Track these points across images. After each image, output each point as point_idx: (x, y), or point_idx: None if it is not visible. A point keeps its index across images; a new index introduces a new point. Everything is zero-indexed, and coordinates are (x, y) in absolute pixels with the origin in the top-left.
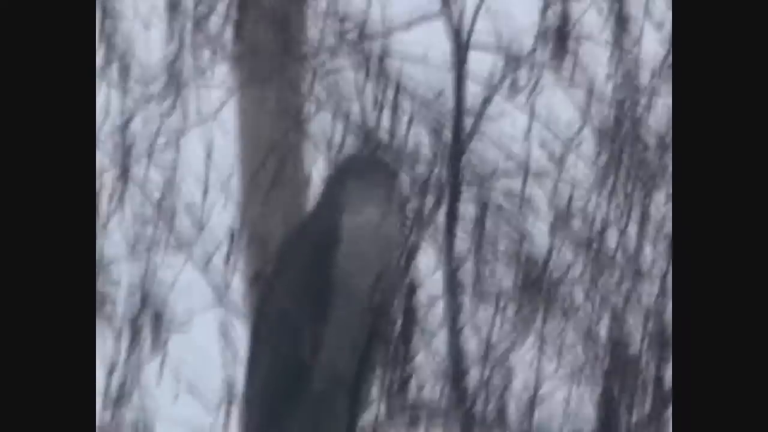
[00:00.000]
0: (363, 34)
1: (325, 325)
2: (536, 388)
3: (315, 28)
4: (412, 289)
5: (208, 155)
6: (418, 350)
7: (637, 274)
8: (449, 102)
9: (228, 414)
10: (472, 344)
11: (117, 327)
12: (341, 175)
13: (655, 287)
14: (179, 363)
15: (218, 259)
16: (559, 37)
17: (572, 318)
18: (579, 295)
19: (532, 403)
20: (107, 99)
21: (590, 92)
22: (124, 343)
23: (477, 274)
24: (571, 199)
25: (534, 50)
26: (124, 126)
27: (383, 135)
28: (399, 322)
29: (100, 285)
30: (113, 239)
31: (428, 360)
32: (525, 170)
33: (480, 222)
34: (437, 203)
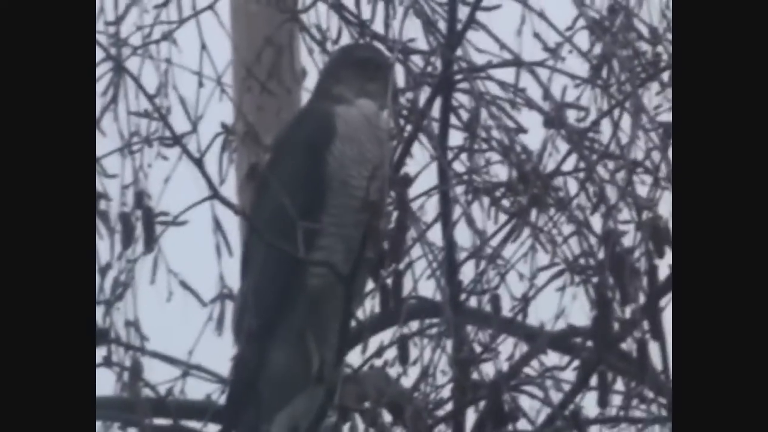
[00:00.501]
0: None
1: (319, 220)
2: (531, 281)
3: None
4: (407, 182)
5: (203, 48)
6: (412, 244)
7: (631, 164)
8: None
9: (222, 310)
10: (466, 237)
11: (112, 224)
12: (338, 66)
13: (648, 178)
14: (173, 259)
15: (213, 154)
16: None
17: (566, 210)
18: (573, 187)
19: (526, 297)
20: None
21: None
22: (118, 240)
23: (471, 166)
24: (565, 90)
25: None
26: (119, 20)
27: (378, 26)
28: (394, 215)
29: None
30: (108, 134)
31: (423, 253)
32: (519, 61)
33: (475, 113)
34: (432, 95)
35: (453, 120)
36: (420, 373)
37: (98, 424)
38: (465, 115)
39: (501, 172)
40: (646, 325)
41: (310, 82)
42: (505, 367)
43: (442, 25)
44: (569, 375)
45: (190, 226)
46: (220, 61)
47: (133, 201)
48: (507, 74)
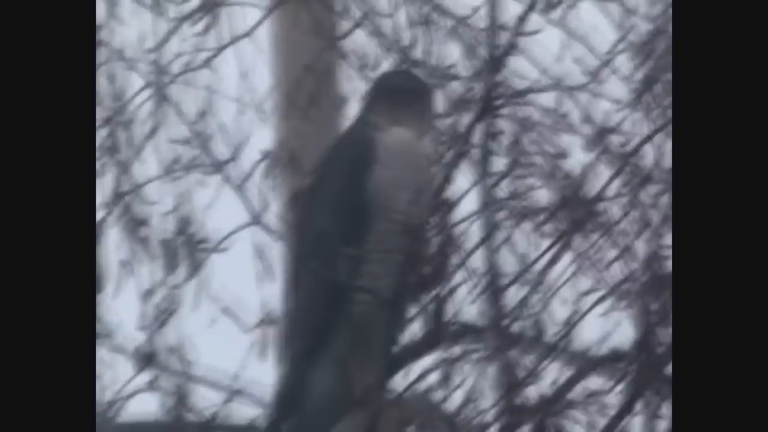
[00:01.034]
0: None
1: (362, 246)
2: (574, 306)
3: None
4: (449, 207)
5: (244, 76)
6: (455, 269)
7: None
8: (485, 18)
9: (265, 335)
10: (509, 262)
11: (152, 250)
12: (377, 93)
13: None
14: (216, 285)
15: (254, 180)
16: None
17: (609, 234)
18: (616, 212)
19: (570, 322)
20: (141, 20)
21: (626, 7)
22: (161, 267)
23: (514, 191)
24: (607, 115)
25: None
26: (159, 47)
27: (419, 52)
28: (436, 240)
29: (137, 207)
30: (149, 162)
31: (465, 279)
32: (560, 86)
33: (516, 139)
34: (474, 120)
35: (494, 145)
36: (463, 397)
37: None
38: (506, 140)
39: (543, 197)
40: None
41: (351, 108)
42: (549, 391)
43: (482, 51)
44: (614, 399)
45: (233, 252)
46: (260, 88)
47: (175, 227)
48: (548, 99)
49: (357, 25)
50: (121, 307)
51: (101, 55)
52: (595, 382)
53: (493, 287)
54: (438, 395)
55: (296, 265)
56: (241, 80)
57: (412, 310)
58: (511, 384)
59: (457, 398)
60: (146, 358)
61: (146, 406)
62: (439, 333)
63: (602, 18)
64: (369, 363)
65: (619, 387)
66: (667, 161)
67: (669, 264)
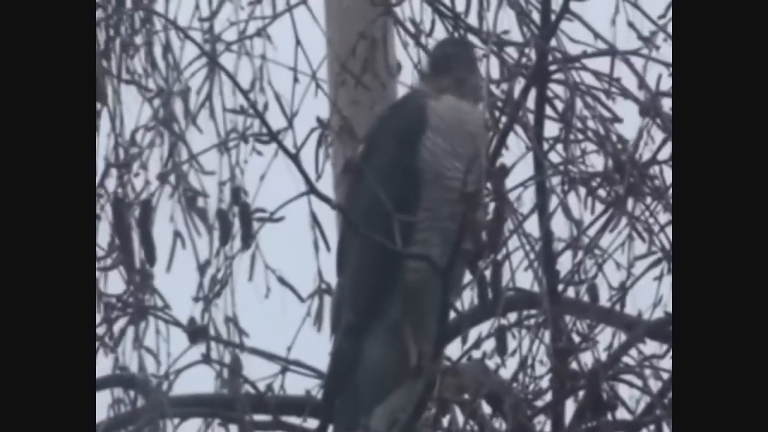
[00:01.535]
0: None
1: (416, 213)
2: (628, 271)
3: None
4: (504, 173)
5: (297, 44)
6: (509, 235)
7: None
8: None
9: (320, 305)
10: (563, 228)
11: (208, 221)
12: (430, 61)
13: None
14: (270, 255)
15: (308, 149)
16: None
17: (663, 198)
18: (669, 176)
19: (623, 286)
20: None
21: None
22: (215, 237)
23: (567, 156)
24: (660, 78)
25: None
26: (213, 16)
27: (472, 19)
28: (491, 206)
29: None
30: (204, 131)
31: (520, 245)
32: (613, 51)
33: (570, 104)
34: (527, 86)
35: (548, 111)
36: (518, 364)
37: (198, 421)
38: (560, 106)
39: (597, 162)
40: None
41: (405, 75)
42: (603, 356)
43: (536, 16)
44: (668, 363)
45: (287, 222)
46: (314, 56)
47: (229, 198)
48: (601, 64)
49: None
50: (175, 279)
51: (156, 24)
52: (649, 346)
53: (548, 253)
54: (493, 362)
55: (351, 234)
56: (296, 48)
57: (467, 277)
58: (565, 350)
59: (512, 365)
60: (201, 330)
61: (201, 378)
62: (493, 300)
63: None
64: (423, 331)
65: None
66: None
67: None
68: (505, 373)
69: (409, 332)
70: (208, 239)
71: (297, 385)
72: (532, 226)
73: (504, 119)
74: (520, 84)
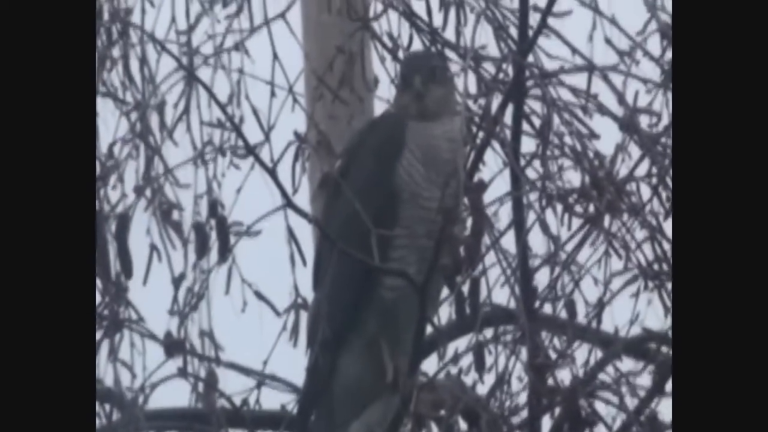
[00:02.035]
0: None
1: (393, 230)
2: (605, 287)
3: None
4: (482, 188)
5: (275, 58)
6: (486, 251)
7: None
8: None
9: (296, 319)
10: (539, 243)
11: (183, 234)
12: (403, 75)
13: None
14: (247, 269)
15: (285, 163)
16: None
17: (639, 215)
18: (646, 192)
19: (600, 303)
20: (172, 1)
21: None
22: (191, 251)
23: (544, 172)
24: (637, 95)
25: None
26: (190, 29)
27: (450, 34)
28: (468, 221)
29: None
30: (179, 145)
31: (497, 260)
32: (591, 67)
33: (547, 120)
34: (504, 101)
35: (525, 126)
36: (495, 380)
37: None
38: (537, 122)
39: (574, 178)
40: None
41: (382, 90)
42: (580, 373)
43: (513, 32)
44: (644, 380)
45: (264, 236)
46: (291, 70)
47: (206, 211)
48: (579, 80)
49: (388, 6)
50: (151, 293)
51: (132, 36)
52: (626, 363)
53: (524, 269)
54: (470, 378)
55: (327, 249)
56: (273, 62)
57: (444, 293)
58: (543, 366)
59: (488, 381)
60: (177, 344)
61: (176, 392)
62: (471, 315)
63: None
64: (400, 346)
65: (650, 368)
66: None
67: None
68: (482, 389)
69: (385, 347)
70: (183, 252)
71: (272, 399)
72: (508, 241)
73: (481, 134)
74: (497, 99)
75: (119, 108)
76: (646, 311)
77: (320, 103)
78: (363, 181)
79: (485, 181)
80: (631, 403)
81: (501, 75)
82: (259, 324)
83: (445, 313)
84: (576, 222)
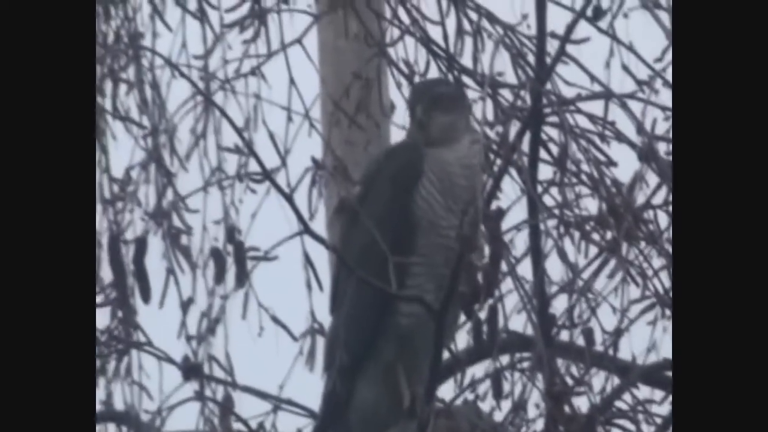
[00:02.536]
0: None
1: (410, 257)
2: (622, 315)
3: None
4: (500, 216)
5: (291, 83)
6: (503, 278)
7: None
8: (533, 26)
9: (313, 344)
10: (556, 271)
11: (194, 259)
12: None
13: None
14: (263, 294)
15: (302, 188)
16: None
17: (657, 243)
18: (663, 220)
19: (617, 330)
20: (187, 26)
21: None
22: (209, 276)
23: (562, 199)
24: (654, 123)
25: None
26: (207, 54)
27: (467, 60)
28: (486, 249)
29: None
30: (195, 170)
31: (514, 287)
32: (608, 94)
33: (564, 147)
34: (522, 128)
35: (543, 154)
36: (512, 406)
37: None
38: (555, 149)
39: (591, 206)
40: None
41: (399, 116)
42: (596, 400)
43: (531, 59)
44: (661, 409)
45: (280, 261)
46: (308, 96)
47: (224, 236)
48: (596, 107)
49: (405, 32)
50: (168, 317)
51: (147, 61)
52: (643, 391)
53: (542, 296)
54: (487, 405)
55: (345, 274)
56: (289, 88)
57: (461, 320)
58: (561, 393)
59: (505, 407)
60: (196, 368)
61: (194, 415)
62: (489, 342)
63: (651, 25)
64: (417, 373)
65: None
66: None
67: None
68: (499, 416)
69: (402, 374)
70: (192, 276)
71: (288, 424)
72: (525, 268)
73: (498, 162)
74: (515, 126)
75: (133, 132)
76: (662, 339)
77: (337, 129)
78: (381, 209)
79: (503, 209)
80: (647, 431)
81: (518, 102)
82: (276, 348)
83: (461, 340)
84: (593, 249)
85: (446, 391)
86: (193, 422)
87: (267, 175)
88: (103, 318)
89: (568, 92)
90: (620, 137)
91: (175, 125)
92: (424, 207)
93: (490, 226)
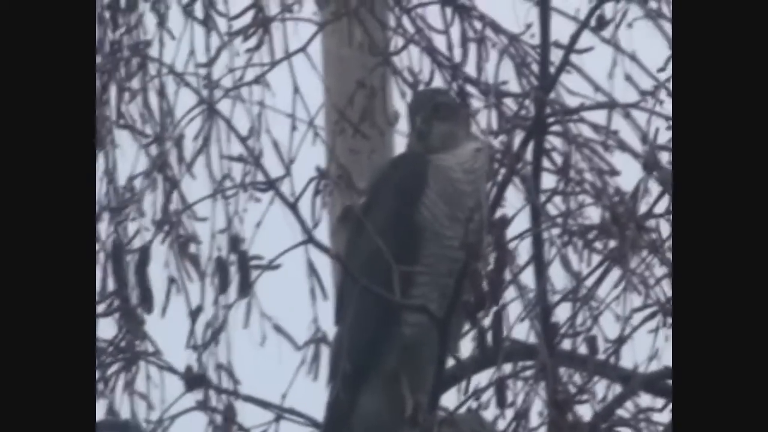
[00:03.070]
0: None
1: (414, 266)
2: (624, 323)
3: None
4: (505, 224)
5: (296, 91)
6: (506, 286)
7: None
8: (537, 36)
9: (316, 353)
10: (559, 279)
11: (202, 268)
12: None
13: None
14: (267, 303)
15: (306, 197)
16: None
17: (659, 252)
18: (665, 229)
19: (620, 339)
20: (192, 35)
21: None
22: (212, 284)
23: (565, 208)
24: (657, 132)
25: None
26: (211, 62)
27: (471, 69)
28: (491, 257)
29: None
30: (199, 178)
31: (517, 296)
32: (611, 103)
33: (567, 156)
34: (526, 138)
35: (546, 163)
36: (514, 415)
37: None
38: (558, 158)
39: (594, 215)
40: None
41: (403, 124)
42: (598, 408)
43: (535, 68)
44: (663, 417)
45: (283, 269)
46: (312, 104)
47: (227, 245)
48: (599, 117)
49: (409, 41)
50: (171, 326)
51: (152, 69)
52: (644, 399)
53: (544, 304)
54: (491, 413)
55: (349, 284)
56: (293, 96)
57: (464, 329)
58: (564, 401)
59: (508, 416)
60: (199, 378)
61: (197, 425)
62: (493, 350)
63: (654, 35)
64: (420, 382)
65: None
66: None
67: None
68: (502, 425)
69: (405, 383)
70: (200, 285)
71: None
72: (527, 277)
73: (503, 171)
74: (518, 135)
75: (138, 140)
76: (664, 347)
77: (341, 137)
78: (385, 219)
79: (507, 217)
80: None
81: (522, 111)
82: (278, 357)
83: (465, 348)
84: (596, 258)
85: (449, 399)
86: None
87: (271, 184)
88: (109, 328)
89: (572, 101)
90: (623, 146)
91: (183, 134)
92: (428, 217)
93: (494, 234)
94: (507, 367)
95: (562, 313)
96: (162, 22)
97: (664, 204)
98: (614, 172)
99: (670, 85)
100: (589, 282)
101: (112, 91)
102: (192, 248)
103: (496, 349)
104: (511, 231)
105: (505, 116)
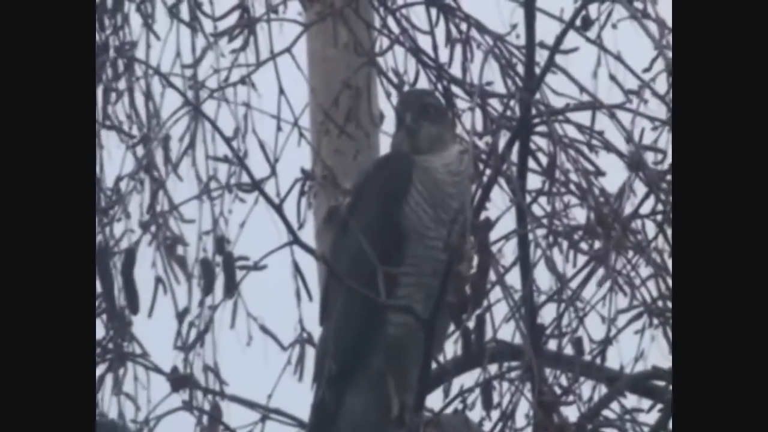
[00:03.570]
0: None
1: (399, 267)
2: (610, 324)
3: None
4: (489, 226)
5: (281, 92)
6: (492, 287)
7: None
8: (522, 36)
9: (301, 354)
10: (544, 280)
11: (189, 269)
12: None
13: None
14: (252, 304)
15: (291, 198)
16: None
17: (644, 253)
18: (651, 230)
19: (605, 340)
20: (178, 36)
21: (663, 24)
22: (197, 285)
23: (550, 209)
24: (642, 132)
25: None
26: (196, 63)
27: (456, 70)
28: (475, 259)
29: (173, 225)
30: (185, 179)
31: (502, 297)
32: (597, 104)
33: (553, 157)
34: (511, 138)
35: (531, 163)
36: (500, 416)
37: None
38: (543, 159)
39: (580, 215)
40: None
41: (388, 125)
42: (585, 409)
43: (520, 69)
44: (650, 417)
45: (269, 270)
46: (297, 105)
47: (213, 247)
48: (584, 117)
49: (394, 41)
50: (156, 326)
51: (137, 71)
52: (630, 400)
53: (530, 305)
54: (476, 414)
55: (334, 284)
56: (279, 97)
57: (450, 330)
58: (551, 402)
59: (494, 417)
60: (185, 379)
61: (183, 425)
62: (478, 352)
63: (639, 36)
64: (406, 382)
65: (659, 406)
66: None
67: None
68: (487, 426)
69: (391, 383)
70: (187, 287)
71: None
72: (513, 278)
73: (488, 172)
74: (504, 136)
75: (124, 141)
76: (650, 348)
77: (326, 138)
78: (370, 220)
79: (491, 220)
80: None
81: (507, 112)
82: (264, 358)
83: (450, 349)
84: (581, 259)
85: (435, 400)
86: None
87: (256, 185)
88: (97, 330)
89: (557, 102)
90: (608, 147)
91: (169, 135)
92: (413, 218)
93: (478, 236)
94: (493, 368)
95: (547, 314)
96: (148, 23)
97: (650, 204)
98: (600, 173)
99: (654, 85)
100: (575, 283)
101: (99, 92)
102: (179, 250)
103: (480, 351)
104: (497, 232)
105: (490, 117)
